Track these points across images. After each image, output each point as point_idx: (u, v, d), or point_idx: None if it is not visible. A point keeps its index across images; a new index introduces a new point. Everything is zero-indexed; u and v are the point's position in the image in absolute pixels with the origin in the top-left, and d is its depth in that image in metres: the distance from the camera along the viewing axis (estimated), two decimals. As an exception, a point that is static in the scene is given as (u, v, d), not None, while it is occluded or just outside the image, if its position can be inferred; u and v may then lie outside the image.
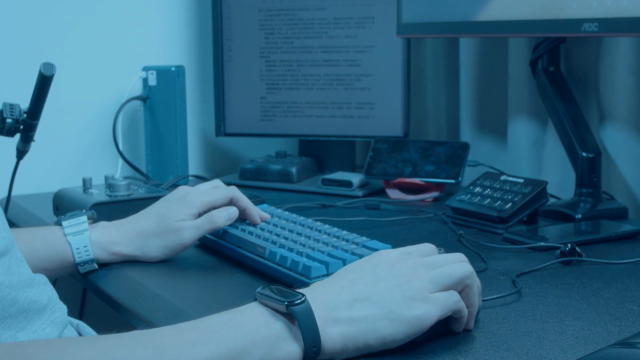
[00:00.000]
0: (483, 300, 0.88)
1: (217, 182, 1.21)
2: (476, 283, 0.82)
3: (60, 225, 1.11)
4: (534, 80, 1.47)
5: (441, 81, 1.82)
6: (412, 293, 0.76)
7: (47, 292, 0.80)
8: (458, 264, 0.81)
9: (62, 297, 1.70)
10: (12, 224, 1.46)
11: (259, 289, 0.75)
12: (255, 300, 0.75)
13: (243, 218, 1.16)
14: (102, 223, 1.14)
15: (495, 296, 0.92)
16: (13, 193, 1.39)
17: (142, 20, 1.80)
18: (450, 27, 1.42)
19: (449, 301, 0.78)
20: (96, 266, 1.10)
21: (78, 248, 1.08)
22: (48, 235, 1.10)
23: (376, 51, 1.68)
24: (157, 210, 1.13)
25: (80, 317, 1.67)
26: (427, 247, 0.84)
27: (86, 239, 1.09)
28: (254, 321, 0.72)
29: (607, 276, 1.01)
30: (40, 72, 1.21)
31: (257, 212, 1.17)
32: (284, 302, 0.72)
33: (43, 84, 1.23)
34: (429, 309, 0.76)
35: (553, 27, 1.25)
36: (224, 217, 1.11)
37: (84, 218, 1.11)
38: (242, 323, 0.71)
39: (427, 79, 1.83)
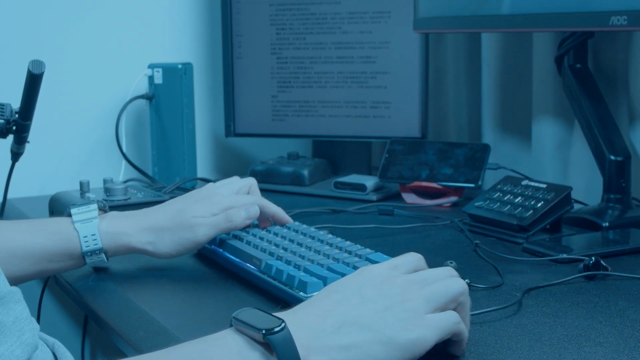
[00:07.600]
0: (474, 314, 0.82)
1: (236, 178, 1.14)
2: (469, 301, 0.75)
3: (70, 215, 1.03)
4: (560, 78, 1.40)
5: (462, 79, 1.76)
6: (406, 315, 0.69)
7: (13, 312, 0.72)
8: (450, 280, 0.74)
9: (68, 311, 1.62)
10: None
11: (235, 313, 0.67)
12: (232, 326, 0.67)
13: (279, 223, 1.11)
14: (113, 213, 1.05)
15: (487, 309, 0.85)
16: (13, 196, 1.35)
17: (148, 15, 1.75)
18: (470, 22, 1.35)
19: (448, 323, 0.71)
20: (104, 259, 1.01)
21: (86, 236, 1.00)
22: (53, 225, 1.02)
23: (392, 47, 1.60)
24: (175, 205, 1.05)
25: (84, 331, 1.61)
26: (413, 257, 0.77)
27: (95, 227, 1.00)
28: (225, 352, 0.64)
29: (634, 293, 0.92)
30: (28, 70, 1.15)
31: (284, 214, 1.11)
32: (261, 330, 0.64)
33: (32, 82, 1.17)
34: (425, 332, 0.69)
35: (579, 21, 1.20)
36: (241, 216, 1.04)
37: (94, 206, 1.03)
38: (212, 354, 0.64)
39: (447, 76, 1.76)
